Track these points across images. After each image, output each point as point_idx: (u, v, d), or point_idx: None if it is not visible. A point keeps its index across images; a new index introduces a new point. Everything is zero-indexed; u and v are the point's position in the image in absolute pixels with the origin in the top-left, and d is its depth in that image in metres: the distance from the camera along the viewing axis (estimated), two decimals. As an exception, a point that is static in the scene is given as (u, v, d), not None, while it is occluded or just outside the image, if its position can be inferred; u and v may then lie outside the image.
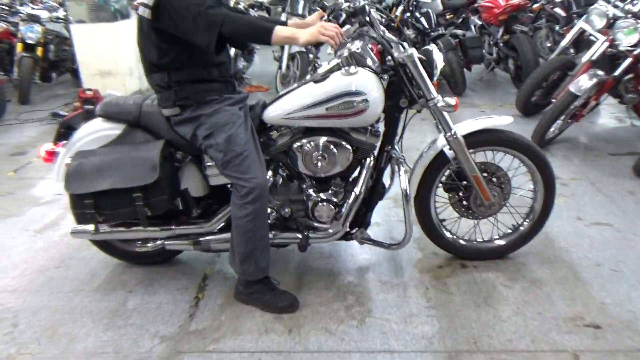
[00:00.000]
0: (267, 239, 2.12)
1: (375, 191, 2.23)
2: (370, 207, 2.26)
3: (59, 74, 6.64)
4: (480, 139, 2.24)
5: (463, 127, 2.20)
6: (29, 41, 5.92)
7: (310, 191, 2.19)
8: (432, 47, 2.14)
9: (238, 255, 2.10)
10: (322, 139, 2.09)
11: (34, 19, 6.07)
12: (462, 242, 2.48)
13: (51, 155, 2.22)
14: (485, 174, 2.31)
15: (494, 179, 2.34)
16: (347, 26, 1.95)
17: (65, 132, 2.21)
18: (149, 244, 2.37)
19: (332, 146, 2.10)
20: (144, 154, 2.00)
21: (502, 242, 2.48)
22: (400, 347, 1.95)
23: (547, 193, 2.34)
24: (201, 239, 2.23)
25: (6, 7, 6.68)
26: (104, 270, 2.51)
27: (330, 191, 2.20)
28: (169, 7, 1.84)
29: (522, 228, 2.45)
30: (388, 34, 2.08)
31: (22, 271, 2.53)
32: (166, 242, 2.26)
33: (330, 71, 2.04)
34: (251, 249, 2.07)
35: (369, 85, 1.98)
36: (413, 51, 2.02)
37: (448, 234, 2.46)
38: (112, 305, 2.25)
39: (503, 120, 2.22)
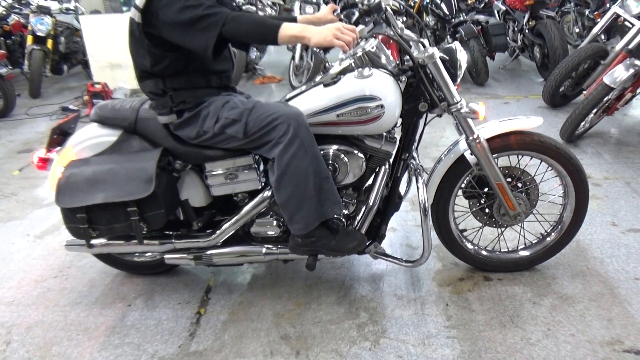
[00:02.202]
0: (327, 170, 1.85)
1: (391, 201, 2.04)
2: (385, 218, 2.06)
3: (71, 66, 6.53)
4: (505, 143, 2.02)
5: (486, 129, 1.99)
6: (39, 33, 5.81)
7: None
8: (456, 44, 1.93)
9: (311, 203, 1.80)
10: (332, 148, 1.90)
11: (44, 10, 5.95)
12: (484, 252, 2.28)
13: (45, 162, 2.08)
14: (509, 179, 2.11)
15: (520, 185, 2.13)
16: (361, 26, 1.75)
17: (58, 138, 2.06)
18: (148, 254, 2.26)
19: (342, 155, 1.91)
20: (139, 164, 1.84)
21: (526, 253, 2.27)
22: (417, 375, 1.78)
23: (579, 203, 2.12)
24: (203, 253, 2.07)
25: (18, -1, 6.59)
26: (103, 281, 2.38)
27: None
28: (160, 10, 1.65)
29: (548, 239, 2.24)
30: (407, 32, 1.87)
31: (19, 281, 2.42)
32: (165, 256, 2.11)
33: (342, 72, 1.85)
34: (319, 186, 1.80)
35: (384, 89, 1.78)
36: (434, 51, 1.81)
37: (468, 245, 2.26)
38: (110, 320, 2.12)
39: (532, 122, 2.00)
